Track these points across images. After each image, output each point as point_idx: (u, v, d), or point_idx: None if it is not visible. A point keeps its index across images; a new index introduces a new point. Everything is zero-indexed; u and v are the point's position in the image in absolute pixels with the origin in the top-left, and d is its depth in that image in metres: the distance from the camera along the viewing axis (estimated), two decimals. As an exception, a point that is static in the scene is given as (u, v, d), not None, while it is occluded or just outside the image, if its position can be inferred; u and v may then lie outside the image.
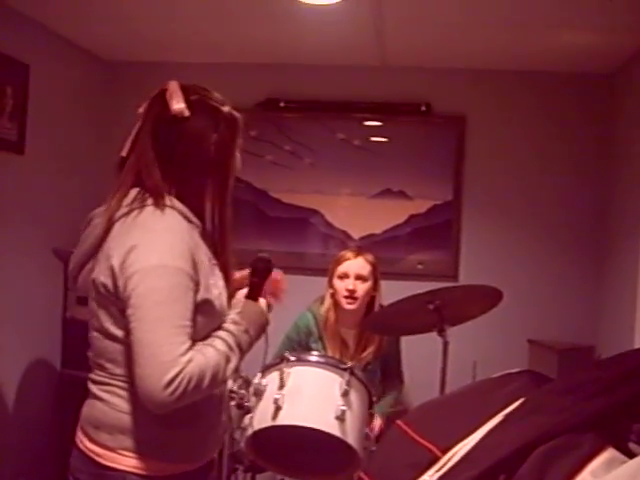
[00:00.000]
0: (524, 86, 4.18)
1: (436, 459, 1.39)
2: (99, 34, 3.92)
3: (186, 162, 1.68)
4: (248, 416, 2.53)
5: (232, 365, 1.67)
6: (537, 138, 4.17)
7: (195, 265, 1.61)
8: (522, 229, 4.18)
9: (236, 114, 1.78)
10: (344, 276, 3.34)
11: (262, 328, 1.82)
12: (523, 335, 4.03)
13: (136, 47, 4.16)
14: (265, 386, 2.52)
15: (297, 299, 3.67)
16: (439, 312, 2.83)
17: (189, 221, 1.67)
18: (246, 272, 1.91)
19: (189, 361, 1.53)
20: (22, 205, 3.43)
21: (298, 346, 3.43)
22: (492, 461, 1.29)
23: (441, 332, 2.85)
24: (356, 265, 3.34)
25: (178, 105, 1.66)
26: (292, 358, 2.55)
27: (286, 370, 2.50)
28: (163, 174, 1.67)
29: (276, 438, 2.52)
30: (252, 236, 4.26)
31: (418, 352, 3.64)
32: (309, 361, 2.57)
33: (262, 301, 1.87)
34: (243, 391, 2.65)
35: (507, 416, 1.41)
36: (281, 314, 3.58)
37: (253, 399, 2.53)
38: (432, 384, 2.98)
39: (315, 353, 2.70)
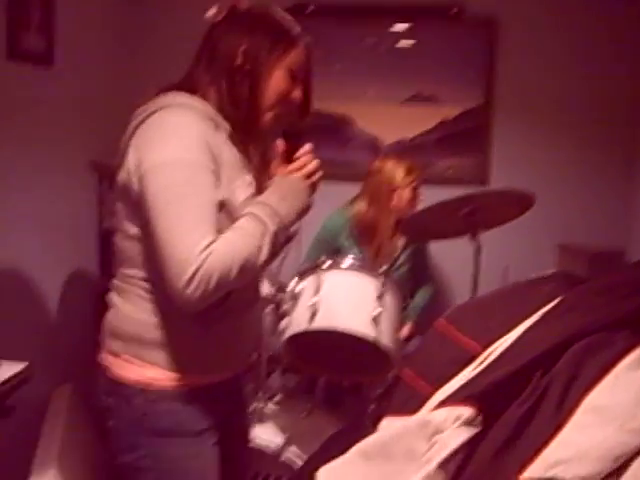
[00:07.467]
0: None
1: (476, 355, 1.44)
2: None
3: (211, 66, 1.66)
4: (285, 320, 2.60)
5: (266, 248, 1.54)
6: (573, 41, 4.04)
7: (215, 160, 1.55)
8: (553, 133, 4.12)
9: (292, 33, 1.78)
10: (412, 189, 3.50)
11: (301, 199, 1.65)
12: (553, 240, 4.04)
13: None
14: (301, 291, 2.57)
15: (326, 205, 3.70)
16: (472, 217, 2.83)
17: (214, 122, 1.61)
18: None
19: (209, 255, 1.44)
20: (54, 120, 3.41)
21: (328, 246, 3.48)
22: (529, 357, 1.33)
23: (474, 237, 2.87)
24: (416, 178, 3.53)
25: (211, 11, 1.68)
26: (327, 263, 2.60)
27: (322, 275, 2.55)
28: (196, 77, 1.68)
29: (312, 341, 2.59)
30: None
31: (449, 258, 3.68)
32: (344, 266, 2.62)
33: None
34: (280, 295, 2.72)
35: (544, 314, 1.44)
36: (312, 220, 3.65)
37: (289, 303, 2.60)
38: (463, 290, 3.03)
39: (350, 257, 2.72)
